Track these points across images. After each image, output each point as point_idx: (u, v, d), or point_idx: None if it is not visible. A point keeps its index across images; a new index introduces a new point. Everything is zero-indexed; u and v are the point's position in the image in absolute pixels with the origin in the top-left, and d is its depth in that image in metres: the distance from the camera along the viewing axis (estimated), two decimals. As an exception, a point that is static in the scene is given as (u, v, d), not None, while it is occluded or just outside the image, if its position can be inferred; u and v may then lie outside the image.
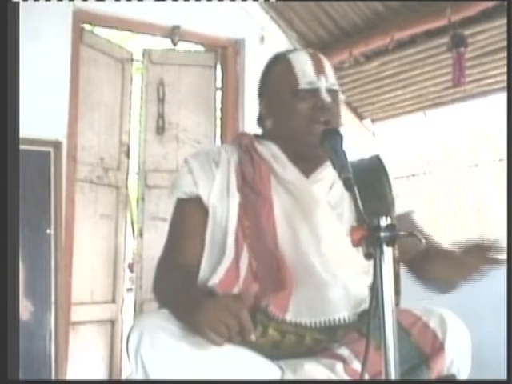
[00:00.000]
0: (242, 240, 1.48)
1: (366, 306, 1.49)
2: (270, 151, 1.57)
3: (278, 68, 1.61)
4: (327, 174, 1.55)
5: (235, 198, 1.52)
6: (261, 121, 1.65)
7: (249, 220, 1.49)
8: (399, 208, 1.62)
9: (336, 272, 1.47)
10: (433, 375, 1.40)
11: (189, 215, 1.56)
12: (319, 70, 1.56)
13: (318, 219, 1.50)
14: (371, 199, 1.35)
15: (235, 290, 1.43)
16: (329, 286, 1.46)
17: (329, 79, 1.57)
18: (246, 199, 1.52)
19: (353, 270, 1.49)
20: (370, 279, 1.47)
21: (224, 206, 1.52)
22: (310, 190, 1.53)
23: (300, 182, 1.53)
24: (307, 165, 1.57)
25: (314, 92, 1.54)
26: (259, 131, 1.68)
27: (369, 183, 1.42)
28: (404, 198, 1.66)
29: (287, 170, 1.54)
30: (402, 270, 1.58)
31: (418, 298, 1.56)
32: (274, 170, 1.55)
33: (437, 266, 1.52)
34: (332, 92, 1.56)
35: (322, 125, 1.52)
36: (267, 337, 1.41)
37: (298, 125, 1.53)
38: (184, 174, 1.57)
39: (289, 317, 1.43)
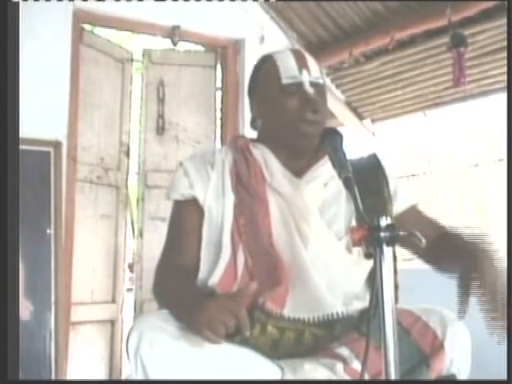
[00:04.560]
0: (238, 238, 1.49)
1: (363, 303, 1.50)
2: (263, 156, 1.59)
3: (264, 68, 1.65)
4: (322, 171, 1.56)
5: (230, 198, 1.54)
6: (253, 122, 1.68)
7: (244, 218, 1.51)
8: (402, 204, 1.62)
9: (323, 270, 1.47)
10: (433, 375, 1.39)
11: (186, 216, 1.58)
12: (301, 64, 1.59)
13: (308, 220, 1.51)
14: (367, 195, 1.35)
15: (234, 289, 1.43)
16: (318, 283, 1.46)
17: (312, 73, 1.59)
18: (241, 199, 1.53)
19: (341, 268, 1.51)
20: (361, 269, 1.51)
21: (219, 206, 1.54)
22: (300, 194, 1.53)
23: (289, 188, 1.54)
24: (301, 163, 1.59)
25: (298, 86, 1.57)
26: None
27: (365, 180, 1.43)
28: (405, 193, 1.65)
29: (276, 177, 1.55)
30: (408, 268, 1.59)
31: (418, 298, 1.56)
32: (265, 177, 1.56)
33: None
34: (316, 85, 1.59)
35: (310, 115, 1.54)
36: (266, 335, 1.42)
37: (286, 119, 1.55)
38: (180, 176, 1.60)
39: (286, 312, 1.44)
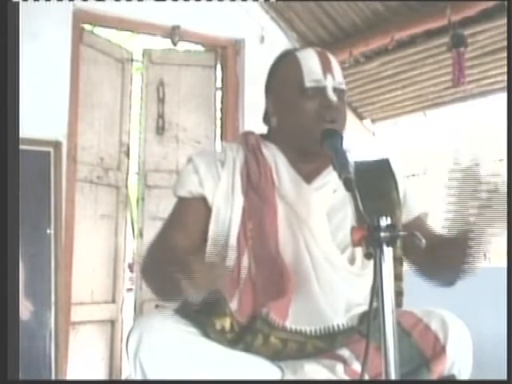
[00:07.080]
0: (244, 243, 1.46)
1: (364, 308, 1.48)
2: (274, 158, 1.55)
3: (286, 65, 1.59)
4: (332, 177, 1.50)
5: (239, 201, 1.50)
6: (267, 118, 1.63)
7: (252, 223, 1.48)
8: (410, 212, 1.61)
9: (325, 282, 1.46)
10: (433, 377, 1.39)
11: (190, 213, 1.53)
12: (326, 68, 1.54)
13: (313, 230, 1.49)
14: (374, 199, 1.34)
15: (236, 293, 1.42)
16: (320, 295, 1.45)
17: (336, 78, 1.54)
18: (251, 202, 1.50)
19: (343, 280, 1.49)
20: (364, 281, 1.49)
21: (228, 207, 1.50)
22: (306, 202, 1.50)
23: (296, 196, 1.51)
24: (312, 166, 1.56)
25: (321, 90, 1.52)
26: (262, 130, 1.67)
27: (374, 184, 1.41)
28: (414, 202, 1.64)
29: (284, 183, 1.52)
30: (409, 268, 1.58)
31: (418, 298, 1.55)
32: (274, 181, 1.53)
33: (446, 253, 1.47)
34: (339, 91, 1.54)
35: (328, 124, 1.50)
36: (269, 345, 1.40)
37: (304, 123, 1.51)
38: (190, 173, 1.55)
39: (289, 324, 1.42)
